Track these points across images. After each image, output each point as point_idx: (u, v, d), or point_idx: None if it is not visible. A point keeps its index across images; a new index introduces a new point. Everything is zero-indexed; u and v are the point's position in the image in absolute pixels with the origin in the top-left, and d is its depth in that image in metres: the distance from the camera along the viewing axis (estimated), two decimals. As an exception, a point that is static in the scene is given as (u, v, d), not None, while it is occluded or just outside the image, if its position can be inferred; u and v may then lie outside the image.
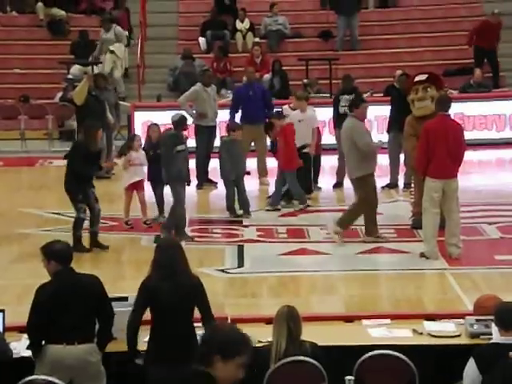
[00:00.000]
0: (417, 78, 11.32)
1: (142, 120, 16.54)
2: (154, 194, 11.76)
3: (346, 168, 11.15)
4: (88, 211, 10.65)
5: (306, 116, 13.14)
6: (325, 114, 15.04)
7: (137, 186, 11.61)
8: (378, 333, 7.09)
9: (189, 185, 11.17)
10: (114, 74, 18.66)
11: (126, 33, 19.49)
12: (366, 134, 10.74)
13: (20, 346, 6.76)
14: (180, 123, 11.15)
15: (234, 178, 11.82)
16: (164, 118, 16.77)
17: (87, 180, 10.55)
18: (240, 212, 11.93)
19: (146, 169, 11.63)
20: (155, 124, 12.33)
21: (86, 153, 10.37)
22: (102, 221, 12.07)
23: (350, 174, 10.94)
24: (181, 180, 10.88)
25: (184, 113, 12.11)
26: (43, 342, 6.31)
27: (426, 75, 11.32)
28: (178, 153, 10.84)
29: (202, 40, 20.10)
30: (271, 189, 13.55)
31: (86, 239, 10.65)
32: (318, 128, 13.49)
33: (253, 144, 13.92)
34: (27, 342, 6.50)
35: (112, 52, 18.72)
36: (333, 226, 10.90)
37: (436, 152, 9.91)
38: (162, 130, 12.16)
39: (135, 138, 11.89)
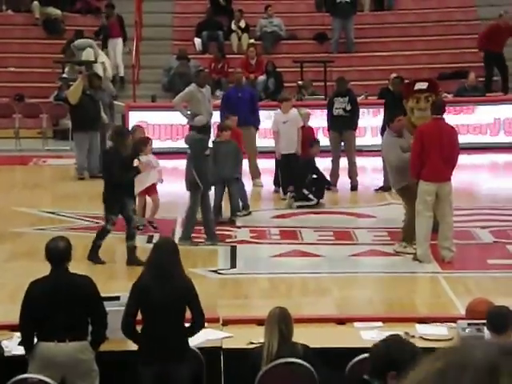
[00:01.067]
0: (417, 86, 11.21)
1: (136, 120, 16.53)
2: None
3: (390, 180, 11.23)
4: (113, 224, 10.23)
5: (290, 117, 13.19)
6: (319, 116, 15.06)
7: (149, 190, 11.39)
8: (370, 335, 7.10)
9: (210, 190, 11.00)
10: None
11: (120, 39, 19.26)
12: (395, 149, 10.59)
13: (12, 345, 6.75)
14: (205, 127, 11.02)
15: (216, 180, 11.54)
16: (158, 119, 16.84)
17: (127, 188, 10.10)
18: (225, 217, 11.83)
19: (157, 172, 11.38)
20: (139, 125, 12.37)
21: (120, 159, 10.10)
22: (95, 220, 12.09)
23: (394, 186, 11.05)
24: (207, 185, 10.75)
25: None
26: (35, 340, 6.32)
27: (427, 83, 11.24)
28: (206, 157, 10.74)
29: (197, 41, 20.09)
30: (264, 189, 13.58)
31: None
32: (312, 128, 13.51)
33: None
34: (19, 340, 6.50)
35: (102, 63, 18.55)
36: (397, 247, 10.57)
37: (430, 155, 9.92)
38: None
39: (147, 141, 11.51)
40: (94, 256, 10.00)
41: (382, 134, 14.01)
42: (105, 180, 10.30)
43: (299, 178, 12.81)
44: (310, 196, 12.66)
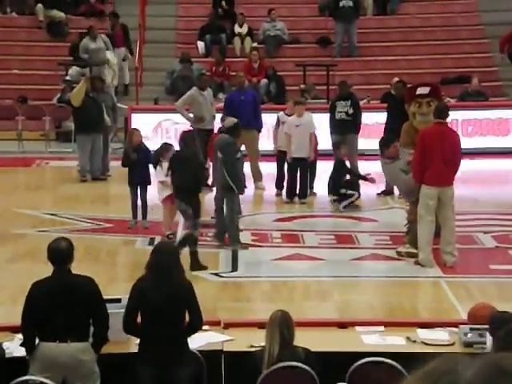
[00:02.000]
0: (419, 91, 11.17)
1: (139, 122, 16.54)
2: (134, 198, 11.58)
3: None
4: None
5: (303, 121, 13.18)
6: (321, 119, 15.05)
7: (172, 198, 11.07)
8: (372, 340, 7.09)
9: (243, 193, 10.94)
10: (107, 81, 18.57)
11: (123, 49, 19.25)
12: (398, 175, 10.60)
13: (13, 346, 6.75)
14: (235, 129, 10.96)
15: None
16: (161, 121, 16.86)
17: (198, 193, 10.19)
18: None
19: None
20: (137, 128, 12.37)
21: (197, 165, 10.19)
22: (96, 222, 12.10)
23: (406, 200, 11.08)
24: (240, 188, 10.73)
25: (235, 119, 11.74)
26: (37, 340, 6.32)
27: (429, 88, 11.22)
28: (237, 160, 10.72)
29: (200, 44, 20.12)
30: (266, 192, 13.59)
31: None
32: (315, 133, 13.51)
33: (244, 148, 13.92)
34: (20, 342, 6.50)
35: (108, 61, 18.48)
36: (401, 248, 10.55)
37: (432, 159, 9.91)
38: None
39: (167, 148, 11.31)
40: (197, 265, 9.88)
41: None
42: (192, 186, 10.11)
43: (334, 181, 12.85)
44: (350, 192, 12.67)
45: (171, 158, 10.68)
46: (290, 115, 13.38)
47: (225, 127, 11.07)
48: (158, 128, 16.91)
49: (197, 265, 9.86)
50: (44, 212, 12.62)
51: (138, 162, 11.52)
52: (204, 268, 9.92)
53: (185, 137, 10.63)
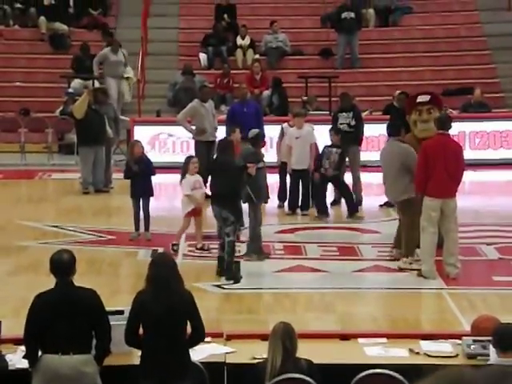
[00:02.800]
0: (419, 99, 11.24)
1: (141, 134, 16.57)
2: (137, 210, 11.54)
3: (391, 191, 10.83)
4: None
5: (303, 133, 13.21)
6: (324, 131, 15.06)
7: (196, 211, 11.19)
8: (374, 352, 7.07)
9: (266, 202, 11.06)
10: (125, 97, 18.60)
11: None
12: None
13: (16, 358, 6.74)
14: (257, 140, 11.06)
15: None
16: (163, 133, 16.87)
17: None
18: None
19: (202, 192, 11.12)
20: (138, 140, 12.37)
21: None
22: (98, 234, 12.10)
23: (396, 198, 10.77)
24: (261, 198, 10.77)
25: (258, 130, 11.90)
26: (39, 352, 6.31)
27: (429, 96, 11.27)
28: (259, 170, 10.74)
29: (202, 56, 20.16)
30: (269, 204, 13.56)
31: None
32: (316, 144, 13.52)
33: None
34: (23, 354, 6.49)
35: (127, 78, 18.47)
36: (402, 264, 10.56)
37: (435, 171, 9.92)
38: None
39: (191, 160, 11.26)
40: (231, 274, 10.07)
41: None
42: (231, 193, 10.17)
43: (318, 196, 12.91)
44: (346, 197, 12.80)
45: (209, 167, 10.71)
46: (293, 127, 13.43)
47: (249, 139, 11.17)
48: (155, 141, 16.91)
49: (231, 274, 10.04)
50: (46, 224, 12.63)
51: (140, 173, 11.53)
52: (237, 279, 10.06)
53: (222, 144, 10.73)
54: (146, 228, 11.66)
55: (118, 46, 18.56)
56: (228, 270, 10.08)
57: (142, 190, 11.59)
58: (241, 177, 10.30)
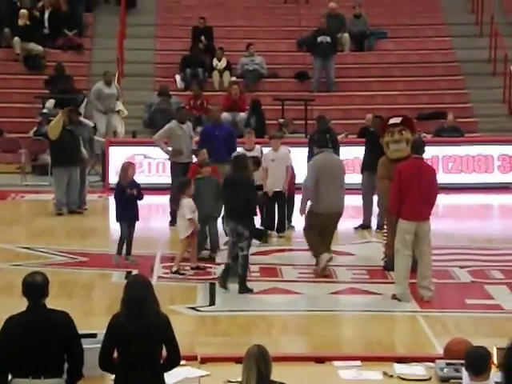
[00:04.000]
0: (391, 121, 11.44)
1: (116, 155, 16.52)
2: (125, 235, 11.40)
3: (339, 201, 11.12)
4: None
5: (279, 155, 13.25)
6: (300, 153, 15.10)
7: (194, 234, 11.16)
8: (349, 375, 7.06)
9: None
10: (118, 131, 18.27)
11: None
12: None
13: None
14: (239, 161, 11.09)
15: (201, 217, 11.43)
16: (138, 154, 16.82)
17: None
18: (205, 253, 11.81)
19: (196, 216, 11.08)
20: (132, 162, 12.27)
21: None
22: (72, 256, 12.01)
23: (342, 207, 11.20)
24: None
25: (242, 151, 12.04)
26: (9, 376, 6.23)
27: (401, 118, 11.45)
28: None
29: (177, 77, 20.18)
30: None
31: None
32: (292, 166, 13.55)
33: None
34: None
35: (118, 112, 18.16)
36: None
37: (409, 194, 9.98)
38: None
39: (188, 183, 11.19)
40: (244, 288, 10.34)
41: (361, 172, 14.09)
42: (246, 208, 10.33)
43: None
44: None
45: (224, 182, 10.79)
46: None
47: (231, 161, 11.24)
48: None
49: (244, 288, 10.26)
50: (19, 246, 12.52)
51: (133, 197, 11.33)
52: (250, 291, 10.32)
53: (236, 160, 10.83)
54: (129, 252, 11.48)
55: (112, 78, 18.25)
56: (241, 283, 10.31)
57: (132, 215, 11.39)
58: (255, 192, 10.47)
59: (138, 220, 11.52)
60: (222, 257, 11.46)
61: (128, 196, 11.35)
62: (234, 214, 10.36)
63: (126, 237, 11.44)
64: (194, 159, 13.38)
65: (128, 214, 11.41)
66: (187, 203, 11.01)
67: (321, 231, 11.19)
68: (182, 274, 11.00)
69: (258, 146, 13.61)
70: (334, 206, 11.08)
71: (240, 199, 10.22)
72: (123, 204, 11.43)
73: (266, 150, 13.54)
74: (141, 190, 11.49)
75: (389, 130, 11.23)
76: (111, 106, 18.16)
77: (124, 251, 11.49)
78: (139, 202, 11.54)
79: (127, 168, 11.62)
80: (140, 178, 16.38)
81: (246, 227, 10.27)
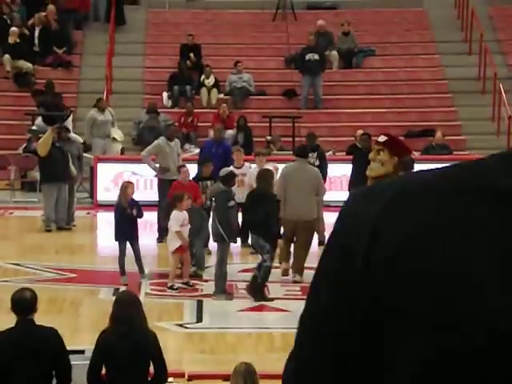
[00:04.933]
0: (378, 138, 11.51)
1: (105, 172, 16.54)
2: (124, 254, 11.34)
3: (306, 208, 11.43)
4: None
5: None
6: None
7: (182, 248, 11.16)
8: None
9: (235, 242, 11.25)
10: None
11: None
12: None
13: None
14: (229, 179, 11.16)
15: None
16: (127, 171, 16.84)
17: None
18: (191, 270, 11.81)
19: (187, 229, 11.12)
20: (131, 181, 12.21)
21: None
22: (60, 272, 12.01)
23: (311, 214, 11.46)
24: (232, 237, 10.84)
25: (230, 168, 12.20)
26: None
27: (386, 138, 11.49)
28: (229, 209, 10.85)
29: (164, 95, 20.23)
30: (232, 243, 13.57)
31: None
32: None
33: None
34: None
35: (114, 139, 17.99)
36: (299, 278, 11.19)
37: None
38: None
39: (180, 198, 11.14)
40: (262, 296, 10.56)
41: (349, 190, 14.15)
42: (267, 221, 10.60)
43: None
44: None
45: (247, 196, 10.97)
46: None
47: (220, 177, 11.29)
48: (119, 179, 16.84)
49: (262, 296, 10.49)
50: (7, 262, 12.51)
51: (133, 216, 11.30)
52: (270, 300, 10.55)
53: (261, 173, 11.07)
54: (143, 270, 11.39)
55: (105, 105, 18.08)
56: (259, 292, 10.55)
57: (131, 233, 11.35)
58: (276, 206, 10.63)
59: (135, 239, 11.44)
60: (209, 273, 11.49)
61: (128, 216, 11.32)
62: (256, 227, 10.63)
63: (124, 256, 11.32)
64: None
65: (128, 234, 11.33)
66: (175, 216, 11.03)
67: (290, 239, 11.35)
68: (176, 289, 11.01)
69: (247, 164, 13.67)
70: (300, 213, 11.26)
71: (262, 213, 10.46)
72: (123, 224, 11.35)
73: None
74: (140, 208, 11.48)
75: (375, 147, 11.35)
76: (106, 133, 17.96)
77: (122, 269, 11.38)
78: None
79: (126, 187, 11.57)
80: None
81: (266, 240, 10.53)
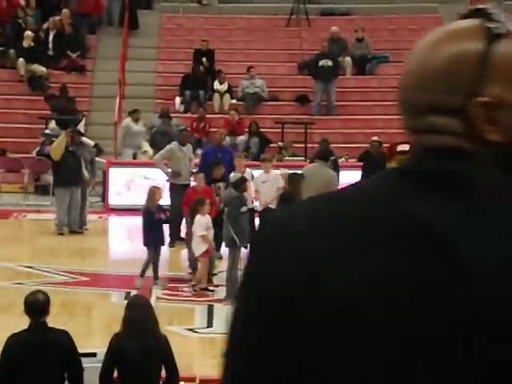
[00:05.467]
0: (400, 148, 11.45)
1: (117, 177, 16.60)
2: (152, 259, 11.30)
3: None
4: None
5: (270, 177, 13.36)
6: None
7: (210, 252, 11.22)
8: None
9: (247, 247, 11.10)
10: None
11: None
12: None
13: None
14: (240, 184, 11.18)
15: None
16: (139, 175, 16.90)
17: None
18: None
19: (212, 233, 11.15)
20: (158, 186, 12.14)
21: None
22: (72, 275, 12.06)
23: None
24: (243, 242, 10.84)
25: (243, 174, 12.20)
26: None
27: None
28: (241, 214, 10.88)
29: (177, 100, 20.29)
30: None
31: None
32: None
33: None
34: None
35: (145, 152, 17.83)
36: None
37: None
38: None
39: (202, 202, 11.16)
40: None
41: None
42: None
43: None
44: None
45: (279, 198, 11.06)
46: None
47: (231, 182, 11.30)
48: (131, 183, 16.91)
49: None
50: (20, 264, 12.57)
51: (161, 221, 11.33)
52: None
53: (291, 177, 11.14)
54: (157, 277, 11.37)
55: (139, 116, 18.02)
56: None
57: (159, 239, 11.39)
58: None
59: (163, 244, 11.53)
60: (220, 278, 11.52)
61: (156, 220, 11.36)
62: None
63: (153, 261, 11.33)
64: (193, 182, 13.46)
65: (156, 239, 11.36)
66: (199, 220, 11.10)
67: None
68: (212, 291, 11.02)
69: (248, 170, 13.68)
70: None
71: None
72: (151, 229, 11.36)
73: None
74: (166, 212, 11.51)
75: (397, 157, 11.29)
76: (138, 143, 17.92)
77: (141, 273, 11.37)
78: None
79: (154, 192, 11.56)
80: (141, 199, 16.53)
81: None
